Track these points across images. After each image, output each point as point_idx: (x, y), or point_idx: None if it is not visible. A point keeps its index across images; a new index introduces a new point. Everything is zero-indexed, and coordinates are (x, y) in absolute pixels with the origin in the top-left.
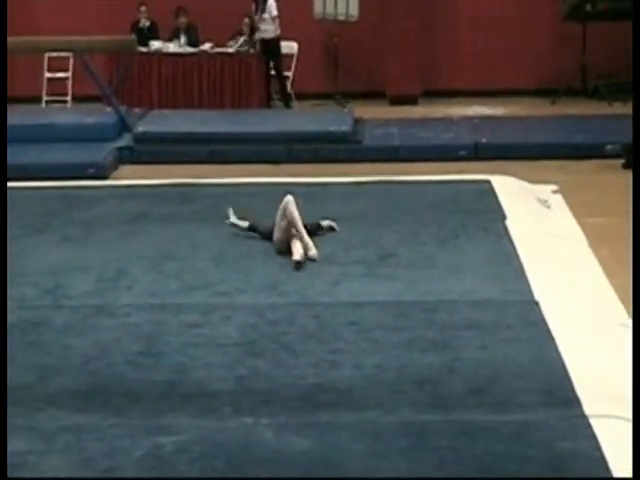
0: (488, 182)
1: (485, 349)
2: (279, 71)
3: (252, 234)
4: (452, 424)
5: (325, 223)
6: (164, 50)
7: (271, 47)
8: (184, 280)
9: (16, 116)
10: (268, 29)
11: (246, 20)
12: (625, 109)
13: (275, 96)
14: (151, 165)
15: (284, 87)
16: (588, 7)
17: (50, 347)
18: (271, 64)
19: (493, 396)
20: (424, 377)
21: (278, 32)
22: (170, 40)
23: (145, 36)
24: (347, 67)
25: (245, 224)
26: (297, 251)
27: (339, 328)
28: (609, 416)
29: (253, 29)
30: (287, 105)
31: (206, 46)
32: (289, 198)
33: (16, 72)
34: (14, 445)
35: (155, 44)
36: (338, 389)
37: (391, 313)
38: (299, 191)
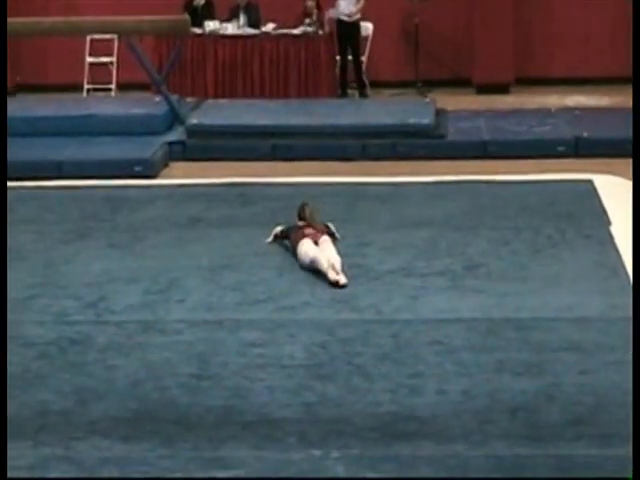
0: (590, 182)
1: (587, 373)
2: (357, 57)
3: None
4: (549, 459)
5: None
6: (221, 31)
7: (351, 29)
8: (244, 293)
9: (52, 106)
10: (350, 9)
11: None
12: None
13: (350, 85)
14: (206, 162)
15: (361, 75)
16: None
17: (92, 368)
18: (349, 49)
19: (596, 427)
20: (517, 405)
21: (360, 14)
22: (228, 20)
23: (200, 16)
24: (429, 51)
25: (278, 229)
26: (329, 268)
27: (420, 348)
28: None
29: (320, 6)
30: (363, 94)
31: (268, 27)
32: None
33: (53, 57)
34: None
35: (211, 25)
36: (419, 418)
37: (479, 332)
38: (373, 192)
